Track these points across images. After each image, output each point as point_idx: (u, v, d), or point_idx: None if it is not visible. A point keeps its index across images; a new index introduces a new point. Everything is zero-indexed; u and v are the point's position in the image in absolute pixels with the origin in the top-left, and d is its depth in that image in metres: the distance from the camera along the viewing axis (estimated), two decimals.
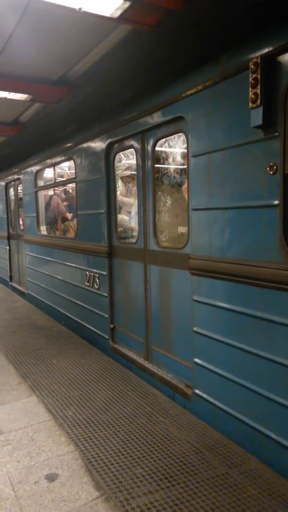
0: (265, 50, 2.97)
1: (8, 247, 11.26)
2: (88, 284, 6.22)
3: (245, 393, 3.37)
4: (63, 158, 7.14)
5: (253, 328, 3.25)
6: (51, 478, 3.04)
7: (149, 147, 4.64)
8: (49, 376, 4.94)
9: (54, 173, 8.13)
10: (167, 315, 4.52)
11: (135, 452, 3.34)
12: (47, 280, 8.10)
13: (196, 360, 3.94)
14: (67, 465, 3.19)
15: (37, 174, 8.52)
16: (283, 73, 2.89)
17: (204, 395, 3.86)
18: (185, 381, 4.24)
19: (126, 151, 5.55)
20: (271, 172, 3.00)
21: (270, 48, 2.94)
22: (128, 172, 6.07)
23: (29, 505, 2.76)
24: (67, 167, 9.21)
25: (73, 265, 6.78)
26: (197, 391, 3.95)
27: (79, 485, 2.94)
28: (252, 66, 3.00)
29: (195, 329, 3.94)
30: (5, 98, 5.60)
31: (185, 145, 4.04)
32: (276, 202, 2.98)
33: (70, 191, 9.12)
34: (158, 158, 4.86)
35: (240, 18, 3.40)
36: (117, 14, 3.30)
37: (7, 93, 5.38)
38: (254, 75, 2.99)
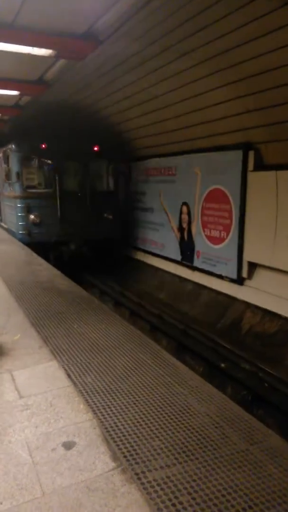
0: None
1: None
2: None
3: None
4: None
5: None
6: (68, 446, 3.03)
7: None
8: (69, 341, 4.93)
9: None
10: None
11: (153, 423, 3.30)
12: None
13: None
14: (85, 433, 3.17)
15: None
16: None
17: None
18: None
19: None
20: None
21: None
22: None
23: (46, 472, 2.76)
24: None
25: None
26: None
27: (95, 455, 2.92)
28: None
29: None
30: (29, 54, 5.36)
31: None
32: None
33: None
34: None
35: None
36: None
37: (30, 48, 5.14)
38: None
